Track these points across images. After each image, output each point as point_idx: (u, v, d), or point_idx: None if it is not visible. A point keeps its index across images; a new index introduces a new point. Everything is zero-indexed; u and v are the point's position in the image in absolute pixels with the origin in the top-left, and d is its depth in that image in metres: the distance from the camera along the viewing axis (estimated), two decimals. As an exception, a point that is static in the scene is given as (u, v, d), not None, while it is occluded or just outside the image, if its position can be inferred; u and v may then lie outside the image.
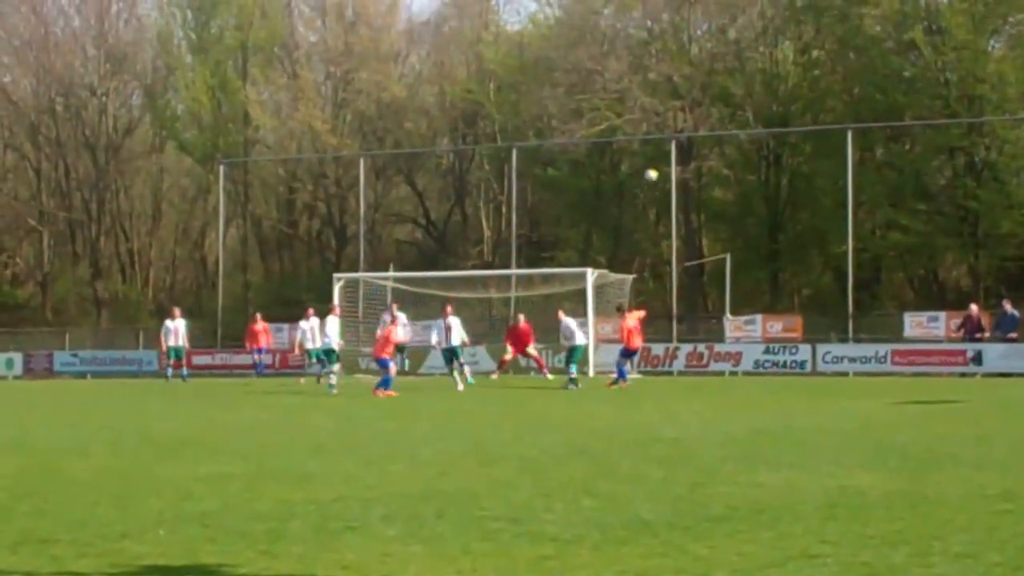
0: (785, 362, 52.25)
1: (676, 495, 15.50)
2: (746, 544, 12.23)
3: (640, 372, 50.63)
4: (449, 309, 45.98)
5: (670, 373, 52.77)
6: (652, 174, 48.11)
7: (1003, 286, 63.49)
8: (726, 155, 74.79)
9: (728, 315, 57.13)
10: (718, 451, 20.68)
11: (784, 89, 72.63)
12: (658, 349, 54.42)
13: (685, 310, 64.95)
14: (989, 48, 66.55)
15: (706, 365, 52.95)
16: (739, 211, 75.23)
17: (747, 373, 51.66)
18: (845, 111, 67.52)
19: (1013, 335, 48.55)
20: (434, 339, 45.62)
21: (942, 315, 53.31)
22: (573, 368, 43.10)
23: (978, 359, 48.56)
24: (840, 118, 65.89)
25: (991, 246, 64.50)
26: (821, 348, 52.30)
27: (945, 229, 66.12)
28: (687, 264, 68.59)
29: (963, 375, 48.05)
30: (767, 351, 53.08)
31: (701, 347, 54.49)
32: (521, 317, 48.29)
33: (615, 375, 42.68)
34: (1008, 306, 49.75)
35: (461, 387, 41.97)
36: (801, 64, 72.92)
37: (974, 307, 50.96)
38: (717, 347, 54.23)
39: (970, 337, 49.43)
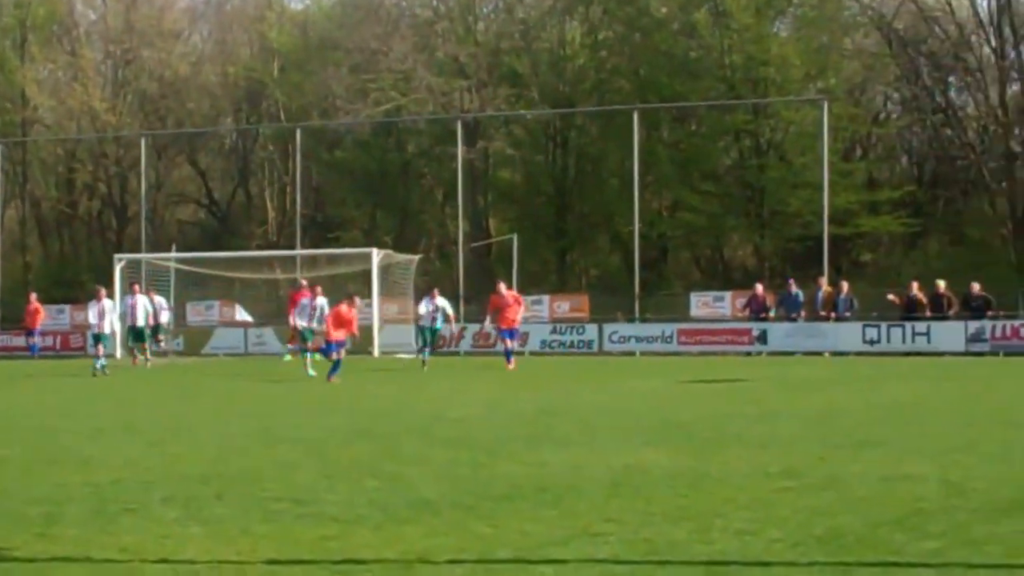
0: (572, 342, 52.51)
1: (459, 475, 15.42)
2: (529, 522, 12.19)
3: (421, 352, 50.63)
4: (436, 291, 45.58)
5: (457, 353, 52.70)
6: None
7: (788, 266, 64.61)
8: (513, 135, 74.98)
9: (515, 296, 57.17)
10: (503, 431, 20.63)
11: (571, 70, 73.04)
12: (443, 330, 54.28)
13: (472, 291, 64.94)
14: (773, 31, 67.58)
15: (493, 345, 52.95)
16: (526, 191, 75.51)
17: (534, 353, 51.77)
18: (632, 92, 68.05)
19: (797, 315, 49.35)
20: (421, 310, 45.30)
21: (728, 295, 54.00)
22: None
23: (763, 338, 49.27)
24: (627, 99, 66.38)
25: (776, 226, 65.56)
26: (608, 328, 52.65)
27: (731, 209, 67.04)
28: (474, 244, 68.60)
29: (748, 354, 48.70)
30: (554, 331, 53.30)
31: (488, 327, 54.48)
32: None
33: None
34: (793, 286, 50.58)
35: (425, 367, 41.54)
36: (588, 45, 73.41)
37: (759, 287, 51.69)
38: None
39: (755, 316, 50.14)
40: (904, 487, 14.17)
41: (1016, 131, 66.30)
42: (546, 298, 56.85)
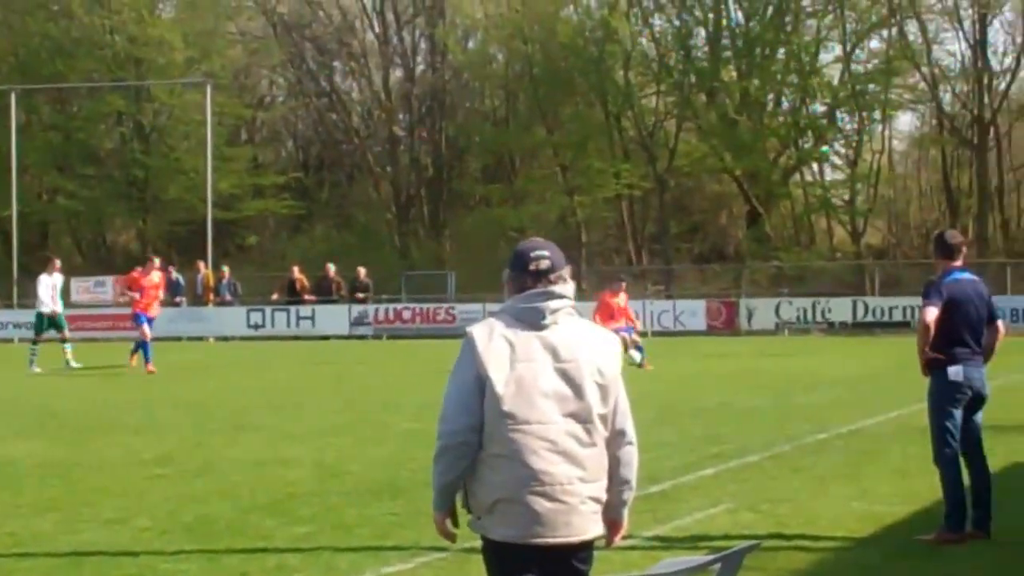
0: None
1: None
2: None
3: None
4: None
5: None
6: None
7: (173, 250, 64.01)
8: None
9: None
10: None
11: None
12: None
13: None
14: (157, 14, 66.74)
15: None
16: None
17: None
18: (11, 73, 65.70)
19: (179, 299, 48.84)
20: None
21: (109, 279, 52.97)
22: None
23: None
24: (4, 80, 64.06)
25: (159, 211, 64.83)
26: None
27: (114, 194, 65.70)
28: None
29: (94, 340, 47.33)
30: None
31: None
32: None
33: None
34: (172, 271, 49.99)
35: None
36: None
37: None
38: None
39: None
40: (278, 472, 14.18)
41: (400, 116, 67.95)
42: None
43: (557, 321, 5.83)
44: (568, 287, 5.92)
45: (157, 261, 32.89)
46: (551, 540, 5.73)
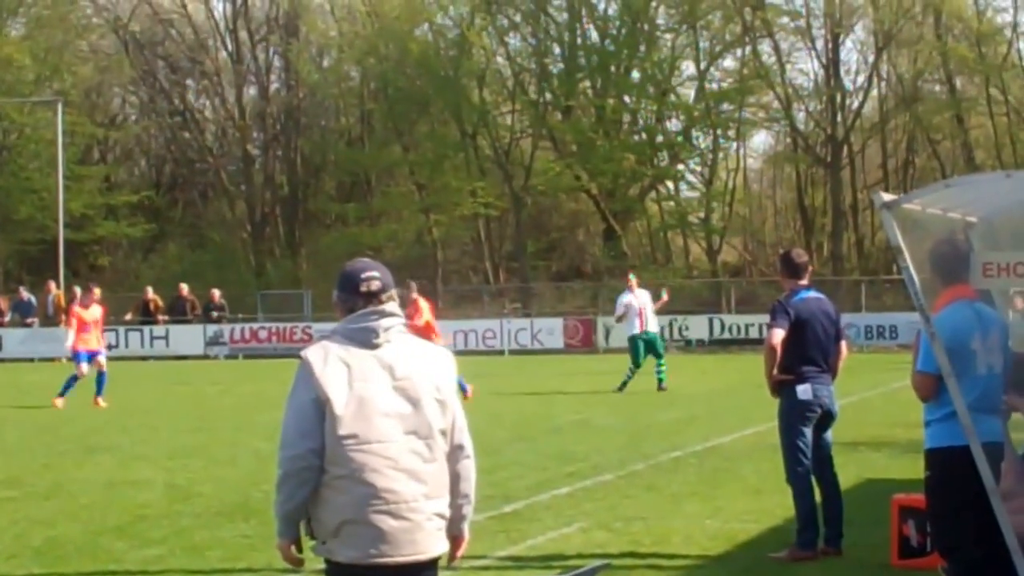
0: None
1: None
2: None
3: None
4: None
5: None
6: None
7: (24, 270, 62.98)
8: None
9: None
10: None
11: None
12: None
13: None
14: (5, 31, 65.62)
15: None
16: None
17: None
18: None
19: (31, 320, 48.11)
20: None
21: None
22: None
23: (-2, 344, 47.81)
24: None
25: (10, 230, 63.75)
26: None
27: (-39, 213, 64.70)
28: None
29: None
30: None
31: None
32: None
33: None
34: (24, 292, 49.22)
35: None
36: None
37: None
38: None
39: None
40: (129, 493, 13.98)
41: (253, 134, 67.54)
42: None
43: (390, 339, 5.85)
44: (396, 306, 5.94)
45: (97, 292, 28.47)
46: (398, 559, 5.69)
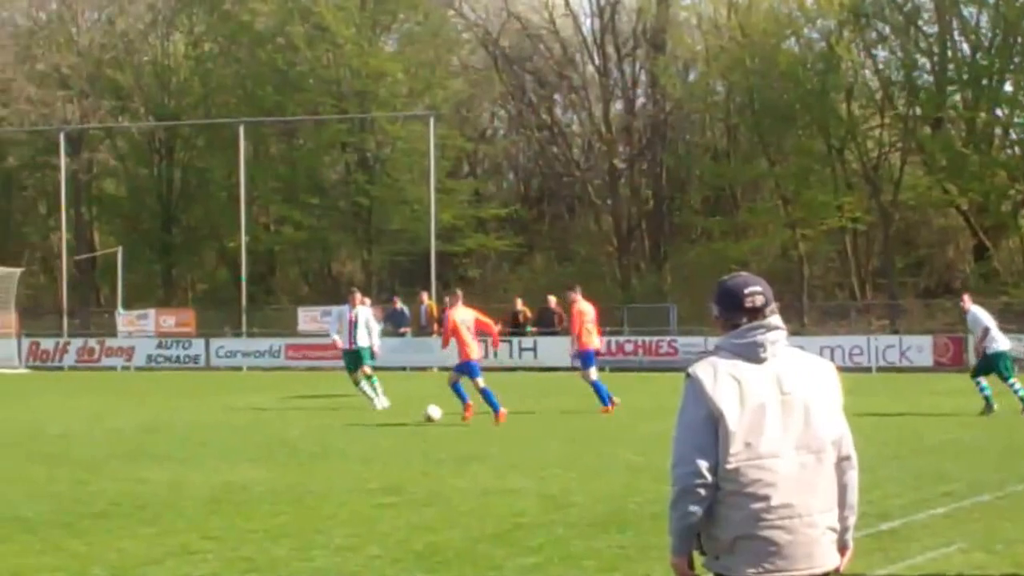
0: (178, 356, 51.51)
1: (57, 492, 14.99)
2: (126, 540, 11.90)
3: (29, 367, 49.56)
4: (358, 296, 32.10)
5: (61, 368, 51.13)
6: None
7: (397, 280, 64.86)
8: (117, 147, 73.30)
9: (121, 309, 55.96)
10: (104, 448, 20.08)
11: (176, 82, 71.93)
12: (48, 344, 52.93)
13: (77, 304, 63.19)
14: (380, 46, 67.70)
15: (98, 360, 51.59)
16: (132, 204, 73.99)
17: (140, 368, 50.61)
18: (238, 105, 67.31)
19: (404, 329, 49.40)
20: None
21: (335, 309, 53.69)
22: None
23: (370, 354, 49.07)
24: (233, 112, 65.62)
25: (383, 241, 65.70)
26: (215, 343, 51.81)
27: (339, 224, 66.97)
28: (78, 258, 66.88)
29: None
30: (160, 345, 52.21)
31: (92, 342, 53.07)
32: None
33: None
34: (398, 302, 50.59)
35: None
36: (193, 57, 72.35)
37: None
38: (109, 342, 52.95)
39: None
40: (504, 502, 14.24)
41: (620, 148, 68.12)
42: (152, 312, 55.79)
43: (776, 353, 5.86)
44: (779, 319, 5.94)
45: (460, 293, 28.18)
46: (794, 573, 5.72)
